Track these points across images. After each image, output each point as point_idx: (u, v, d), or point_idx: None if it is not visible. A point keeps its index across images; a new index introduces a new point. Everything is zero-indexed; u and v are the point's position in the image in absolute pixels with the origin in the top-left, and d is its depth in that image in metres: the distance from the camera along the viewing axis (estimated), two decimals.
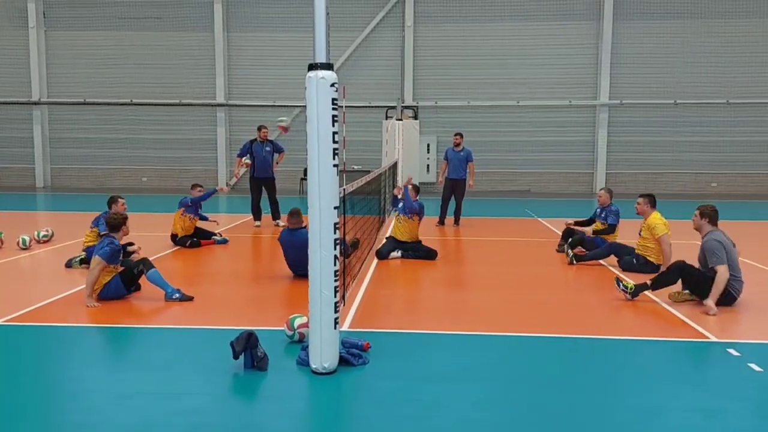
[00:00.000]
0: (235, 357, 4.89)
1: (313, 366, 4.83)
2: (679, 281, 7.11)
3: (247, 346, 4.89)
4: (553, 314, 6.69)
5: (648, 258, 8.69)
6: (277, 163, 13.21)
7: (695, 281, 6.96)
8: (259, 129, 13.15)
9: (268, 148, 12.98)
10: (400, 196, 10.04)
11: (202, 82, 23.83)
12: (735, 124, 22.61)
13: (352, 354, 5.05)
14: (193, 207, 10.62)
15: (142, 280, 7.19)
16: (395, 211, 10.28)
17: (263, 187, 13.13)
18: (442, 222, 13.41)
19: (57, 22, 23.96)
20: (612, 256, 9.30)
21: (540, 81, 22.99)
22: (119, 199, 9.21)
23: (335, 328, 4.83)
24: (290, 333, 5.58)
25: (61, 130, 24.48)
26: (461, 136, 13.74)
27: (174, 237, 10.60)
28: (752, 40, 22.25)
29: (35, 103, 24.14)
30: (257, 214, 13.19)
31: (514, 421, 4.14)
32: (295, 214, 8.15)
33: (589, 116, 23.22)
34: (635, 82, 22.75)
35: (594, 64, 22.91)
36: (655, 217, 8.66)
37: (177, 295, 7.06)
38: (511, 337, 5.88)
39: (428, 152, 23.28)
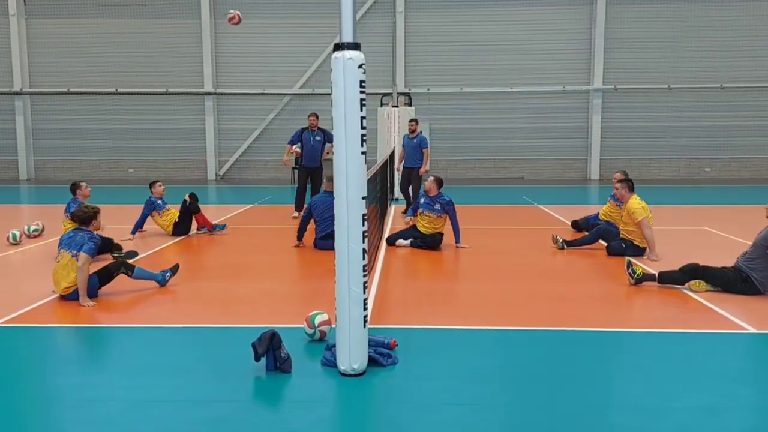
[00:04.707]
0: (257, 359, 4.58)
1: (342, 367, 4.53)
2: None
3: (269, 347, 4.58)
4: (580, 307, 6.44)
5: (633, 242, 8.75)
6: (327, 152, 12.53)
7: (716, 279, 6.79)
8: (308, 117, 12.54)
9: (318, 137, 12.42)
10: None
11: (190, 71, 23.26)
12: (729, 108, 22.48)
13: (380, 353, 4.75)
14: (153, 206, 10.47)
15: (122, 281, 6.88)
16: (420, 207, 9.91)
17: (310, 177, 12.61)
18: (407, 211, 13.01)
19: (38, 9, 23.23)
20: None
21: (533, 67, 22.70)
22: (81, 183, 9.02)
23: (364, 326, 4.53)
24: (310, 331, 5.27)
25: (44, 120, 23.83)
26: (416, 122, 13.41)
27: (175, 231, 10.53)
28: (746, 24, 22.10)
29: (17, 93, 23.47)
30: (300, 204, 12.50)
31: (566, 423, 3.87)
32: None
33: (582, 102, 23.00)
34: (629, 67, 22.54)
35: (587, 49, 22.66)
36: (633, 202, 8.69)
37: (168, 274, 7.06)
38: (542, 332, 5.61)
39: None
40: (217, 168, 23.71)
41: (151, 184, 10.69)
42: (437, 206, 9.38)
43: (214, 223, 10.91)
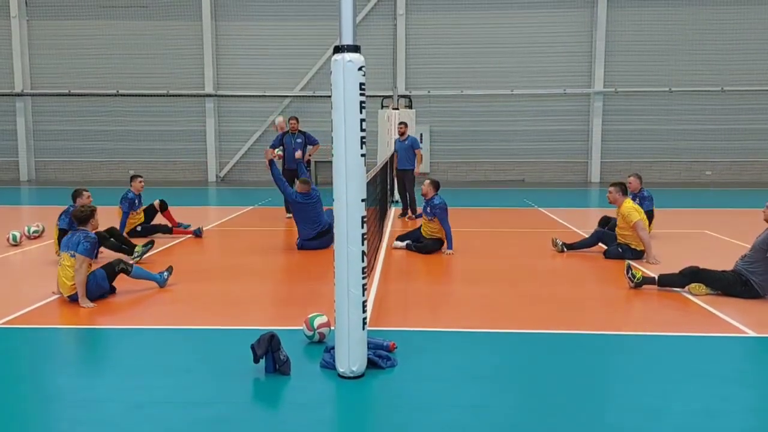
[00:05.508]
0: (256, 361, 4.59)
1: (341, 370, 4.53)
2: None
3: (269, 349, 4.58)
4: (579, 309, 6.44)
5: (630, 245, 8.73)
6: (309, 155, 12.84)
7: (715, 282, 6.80)
8: (288, 120, 12.86)
9: (299, 140, 12.66)
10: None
11: (190, 72, 23.29)
12: (729, 111, 22.49)
13: (379, 356, 4.75)
14: (132, 204, 10.31)
15: (120, 282, 6.90)
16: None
17: (295, 179, 12.82)
18: (404, 213, 13.03)
19: (40, 11, 23.27)
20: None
21: (534, 69, 22.72)
22: (84, 192, 8.79)
23: (363, 328, 4.53)
24: (310, 333, 5.27)
25: (45, 122, 23.85)
26: (406, 125, 13.49)
27: (132, 232, 10.29)
28: (747, 27, 22.11)
29: (18, 95, 23.50)
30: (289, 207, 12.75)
31: (565, 425, 3.87)
32: (306, 182, 9.65)
33: (583, 105, 23.01)
34: (630, 69, 22.55)
35: (588, 52, 22.68)
36: (627, 205, 8.70)
37: (165, 274, 7.14)
38: (541, 335, 5.61)
39: (421, 141, 22.91)
40: (217, 170, 23.72)
41: (132, 178, 10.50)
42: (428, 209, 9.39)
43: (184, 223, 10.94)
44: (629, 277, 7.10)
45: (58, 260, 6.74)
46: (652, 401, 4.18)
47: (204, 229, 10.92)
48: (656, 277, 7.08)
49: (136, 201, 10.39)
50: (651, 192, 10.42)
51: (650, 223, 9.96)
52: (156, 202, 10.80)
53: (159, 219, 10.89)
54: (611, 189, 8.89)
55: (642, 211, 8.76)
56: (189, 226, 10.93)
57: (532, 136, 23.07)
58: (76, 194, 8.76)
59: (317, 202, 9.53)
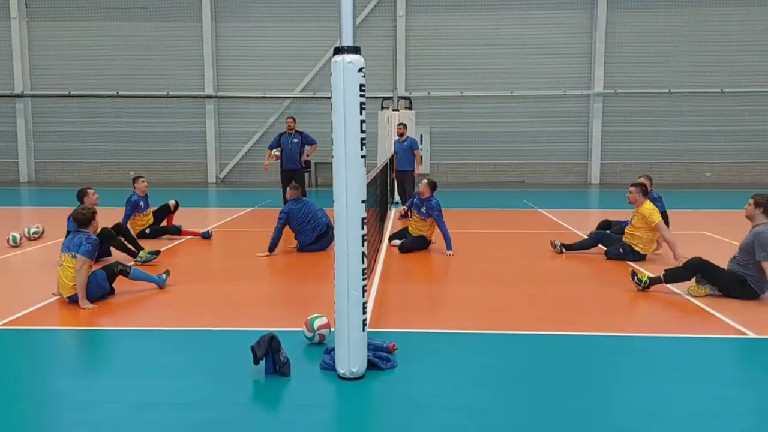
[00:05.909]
0: (256, 362, 4.59)
1: (341, 371, 4.53)
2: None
3: (268, 350, 4.58)
4: (578, 311, 6.44)
5: (634, 247, 8.70)
6: (308, 155, 13.10)
7: (716, 278, 6.81)
8: (286, 120, 13.12)
9: (295, 140, 12.93)
10: None
11: (190, 74, 23.27)
12: (729, 113, 22.48)
13: (379, 357, 4.75)
14: (135, 207, 10.18)
15: (120, 284, 6.90)
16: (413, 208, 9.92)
17: (293, 179, 12.83)
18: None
19: (40, 12, 23.26)
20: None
21: (534, 71, 22.71)
22: (89, 191, 8.71)
23: (363, 330, 4.53)
24: (310, 334, 5.28)
25: (45, 123, 23.83)
26: (405, 126, 13.52)
27: (141, 234, 10.22)
28: (746, 29, 22.11)
29: (18, 96, 23.48)
30: None
31: (565, 427, 3.87)
32: (296, 187, 9.66)
33: (583, 106, 23.00)
34: (629, 71, 22.54)
35: (588, 54, 22.67)
36: (648, 206, 8.66)
37: (164, 276, 7.17)
38: (540, 336, 5.61)
39: (421, 143, 22.96)
40: (217, 171, 23.72)
41: (135, 180, 10.38)
42: (423, 209, 9.36)
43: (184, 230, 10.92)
44: (635, 283, 7.07)
45: (58, 261, 6.73)
46: (652, 403, 4.18)
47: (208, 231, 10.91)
48: (661, 276, 7.05)
49: (141, 203, 10.23)
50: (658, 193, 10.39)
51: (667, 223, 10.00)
52: (171, 203, 10.72)
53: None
54: (632, 189, 8.79)
55: (659, 212, 8.74)
56: (180, 227, 10.84)
57: (531, 137, 23.06)
58: (82, 194, 8.67)
59: (312, 204, 9.53)
